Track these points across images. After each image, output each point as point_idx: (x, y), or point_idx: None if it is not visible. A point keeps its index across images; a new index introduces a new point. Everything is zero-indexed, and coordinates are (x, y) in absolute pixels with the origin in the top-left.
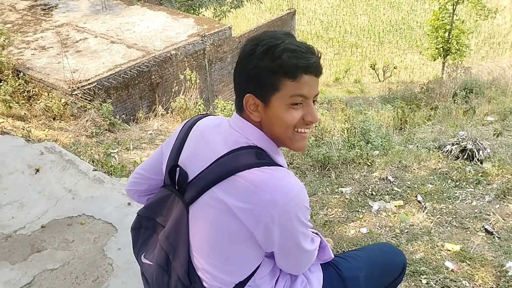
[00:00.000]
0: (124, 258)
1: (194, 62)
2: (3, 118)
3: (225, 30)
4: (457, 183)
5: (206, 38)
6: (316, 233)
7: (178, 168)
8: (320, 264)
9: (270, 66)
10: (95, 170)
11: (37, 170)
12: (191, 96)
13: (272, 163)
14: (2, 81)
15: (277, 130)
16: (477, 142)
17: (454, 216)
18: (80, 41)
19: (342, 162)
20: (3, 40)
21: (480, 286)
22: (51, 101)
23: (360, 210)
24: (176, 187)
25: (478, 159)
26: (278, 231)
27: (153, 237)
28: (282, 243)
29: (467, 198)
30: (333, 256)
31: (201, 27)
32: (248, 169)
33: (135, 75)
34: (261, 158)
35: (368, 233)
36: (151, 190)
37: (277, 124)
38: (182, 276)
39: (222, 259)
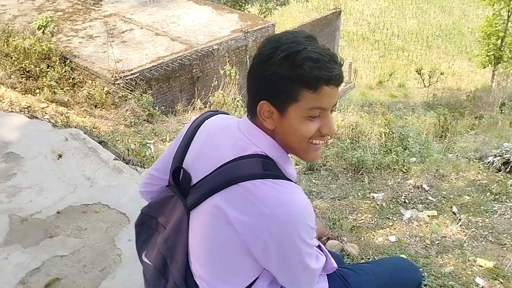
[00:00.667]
0: (133, 250)
1: (235, 58)
2: (47, 103)
3: (268, 27)
4: (497, 197)
5: (248, 34)
6: (319, 246)
7: (181, 170)
8: (327, 274)
9: (290, 75)
10: (116, 159)
11: (60, 156)
12: (229, 92)
13: (279, 175)
14: (50, 67)
15: (291, 140)
16: None
17: (491, 231)
18: (126, 31)
19: (376, 167)
20: (53, 28)
21: None
22: (94, 89)
23: (390, 218)
24: (179, 190)
25: None
26: (276, 249)
27: (154, 236)
28: (281, 261)
29: (506, 213)
30: (336, 266)
31: (245, 23)
32: (252, 180)
33: (177, 67)
34: (267, 169)
35: (396, 241)
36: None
37: (292, 135)
38: (178, 281)
39: (218, 268)
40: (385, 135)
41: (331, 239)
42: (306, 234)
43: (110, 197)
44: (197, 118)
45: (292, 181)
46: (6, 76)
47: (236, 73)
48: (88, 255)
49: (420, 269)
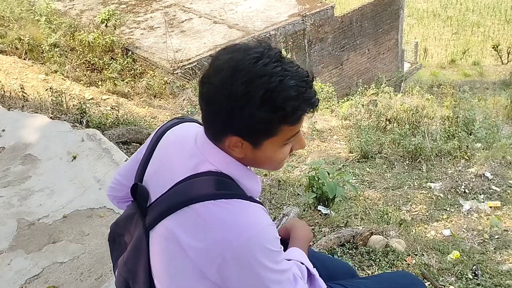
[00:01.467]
0: None
1: (293, 43)
2: (109, 95)
3: (327, 9)
4: None
5: (307, 18)
6: (301, 263)
7: (138, 187)
8: None
9: (270, 117)
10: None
11: (74, 157)
12: None
13: (234, 194)
14: (113, 60)
15: (264, 166)
16: None
17: None
18: (185, 21)
19: (436, 154)
20: (115, 21)
21: None
22: (153, 79)
23: (447, 209)
24: (138, 207)
25: None
26: (236, 275)
27: (124, 254)
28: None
29: None
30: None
31: (303, 7)
32: (202, 201)
33: None
34: (220, 188)
35: (450, 236)
36: (129, 197)
37: (266, 163)
38: None
39: None
40: (448, 119)
41: (375, 234)
42: (267, 259)
43: None
44: (161, 127)
45: (252, 197)
46: (72, 69)
47: (294, 58)
48: (86, 262)
49: (475, 267)
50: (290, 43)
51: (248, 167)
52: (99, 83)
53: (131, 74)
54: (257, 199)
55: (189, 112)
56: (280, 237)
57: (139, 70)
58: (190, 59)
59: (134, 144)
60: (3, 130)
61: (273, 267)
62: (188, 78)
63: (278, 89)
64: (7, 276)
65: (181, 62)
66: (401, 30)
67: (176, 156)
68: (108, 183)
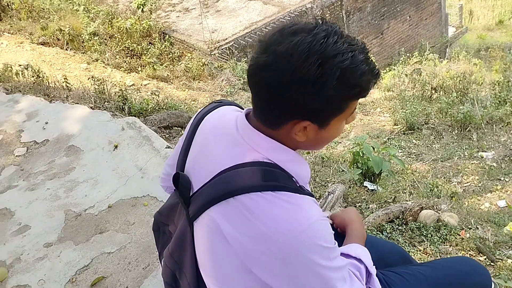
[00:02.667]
0: None
1: (330, 15)
2: (149, 80)
3: None
4: None
5: None
6: (360, 260)
7: (180, 176)
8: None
9: (346, 95)
10: (168, 147)
11: (116, 147)
12: None
13: (282, 186)
14: (151, 44)
15: (318, 146)
16: None
17: None
18: (220, 0)
19: (487, 121)
20: (151, 5)
21: None
22: (191, 62)
23: (502, 179)
24: (181, 197)
25: None
26: (284, 272)
27: (169, 243)
28: (297, 285)
29: None
30: None
31: None
32: (248, 193)
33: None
34: (267, 179)
35: (506, 206)
36: None
37: (324, 142)
38: None
39: (226, 286)
40: (499, 84)
41: (426, 208)
42: (319, 256)
43: (159, 188)
44: (199, 113)
45: (302, 188)
46: (112, 57)
47: None
48: (133, 251)
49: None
50: (327, 15)
51: (295, 151)
52: (139, 68)
53: (169, 58)
54: (307, 186)
55: (228, 93)
56: (334, 228)
57: (177, 53)
58: (226, 39)
59: (176, 128)
60: (46, 123)
61: (326, 264)
62: (225, 58)
63: (352, 67)
64: (58, 267)
65: (218, 42)
66: None
67: (217, 144)
68: (150, 171)
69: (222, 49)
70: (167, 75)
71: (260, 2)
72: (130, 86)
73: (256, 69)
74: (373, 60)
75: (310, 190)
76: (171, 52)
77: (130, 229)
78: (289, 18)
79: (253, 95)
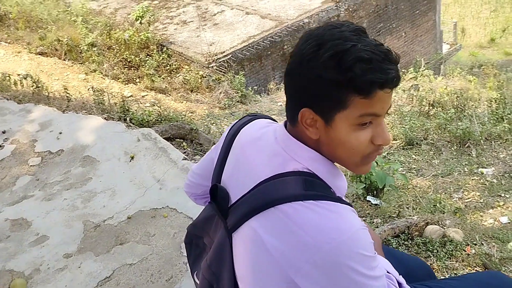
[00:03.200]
0: None
1: None
2: (147, 91)
3: None
4: None
5: (340, 3)
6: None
7: (218, 188)
8: None
9: (337, 79)
10: (185, 159)
11: (132, 158)
12: None
13: (324, 195)
14: (148, 56)
15: (341, 154)
16: None
17: None
18: (218, 13)
19: (485, 138)
20: (149, 17)
21: None
22: (189, 74)
23: (503, 195)
24: (219, 209)
25: None
26: (327, 282)
27: (203, 255)
28: None
29: None
30: None
31: None
32: (290, 202)
33: (268, 45)
34: (309, 189)
35: (509, 223)
36: (207, 194)
37: (341, 148)
38: None
39: None
40: (495, 101)
41: (431, 224)
42: (361, 265)
43: (178, 200)
44: (235, 124)
45: (341, 198)
46: (110, 67)
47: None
48: (155, 263)
49: None
50: None
51: (333, 163)
52: (137, 80)
53: (167, 70)
54: (344, 198)
55: (226, 105)
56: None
57: (175, 65)
58: (224, 51)
59: (178, 140)
60: (60, 133)
61: (368, 273)
62: (223, 71)
63: (349, 52)
64: (79, 279)
65: (216, 55)
66: (439, 10)
67: (256, 155)
68: (168, 183)
69: (220, 62)
70: (165, 87)
71: (258, 16)
72: (128, 97)
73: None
74: (396, 69)
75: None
76: (168, 64)
77: (151, 241)
78: (286, 33)
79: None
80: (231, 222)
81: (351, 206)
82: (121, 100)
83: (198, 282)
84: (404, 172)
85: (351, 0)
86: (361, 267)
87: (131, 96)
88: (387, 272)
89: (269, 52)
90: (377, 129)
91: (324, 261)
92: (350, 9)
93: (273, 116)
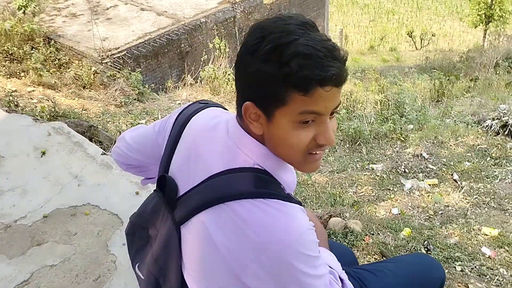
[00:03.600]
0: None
1: (223, 30)
2: (34, 87)
3: None
4: (497, 161)
5: (236, 5)
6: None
7: (166, 180)
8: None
9: (274, 74)
10: (104, 154)
11: (43, 153)
12: (220, 65)
13: (273, 193)
14: (34, 49)
15: (282, 151)
16: None
17: (493, 197)
18: (111, 8)
19: (374, 136)
20: (34, 7)
21: None
22: (81, 70)
23: (391, 189)
24: (166, 200)
25: None
26: (273, 280)
27: (147, 247)
28: None
29: (506, 177)
30: None
31: None
32: (240, 200)
33: (165, 43)
34: (259, 186)
35: (399, 214)
36: (143, 169)
37: (281, 145)
38: None
39: None
40: (380, 103)
41: (334, 216)
42: (306, 265)
43: (100, 196)
44: (184, 110)
45: (291, 196)
46: None
47: (225, 46)
48: (79, 263)
49: (426, 242)
50: (222, 30)
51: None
52: (21, 74)
53: (55, 65)
54: (292, 194)
55: (123, 103)
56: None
57: (64, 60)
58: (119, 47)
59: None
60: None
61: (312, 273)
62: (118, 67)
63: (289, 46)
64: None
65: (110, 51)
66: (327, 17)
67: (207, 147)
68: (87, 179)
69: (115, 58)
70: (55, 82)
71: (154, 13)
72: (13, 92)
73: None
74: (339, 66)
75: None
76: (57, 58)
77: (73, 240)
78: (183, 31)
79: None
80: (179, 214)
81: (300, 204)
82: (6, 95)
83: (141, 275)
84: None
85: (247, 3)
86: (306, 267)
87: (15, 91)
88: (330, 267)
89: (166, 50)
90: (320, 128)
91: (271, 261)
92: (246, 11)
93: None
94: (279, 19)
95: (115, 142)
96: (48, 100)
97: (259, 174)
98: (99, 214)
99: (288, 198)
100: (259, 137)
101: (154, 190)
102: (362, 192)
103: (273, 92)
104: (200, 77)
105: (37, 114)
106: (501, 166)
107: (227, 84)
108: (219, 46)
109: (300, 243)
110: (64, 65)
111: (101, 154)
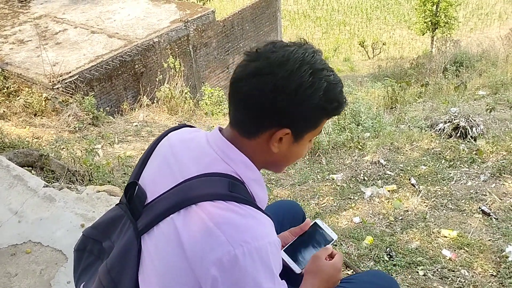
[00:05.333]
0: None
1: (178, 49)
2: None
3: (208, 14)
4: (451, 163)
5: (189, 23)
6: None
7: (136, 186)
8: None
9: (326, 109)
10: (46, 186)
11: None
12: (176, 84)
13: (245, 200)
14: None
15: (285, 162)
16: (470, 118)
17: (450, 198)
18: (60, 32)
19: (332, 146)
20: None
21: (479, 274)
22: (31, 97)
23: (352, 197)
24: (130, 209)
25: (471, 137)
26: (226, 286)
27: (96, 264)
28: None
29: (462, 179)
30: None
31: (184, 12)
32: (212, 201)
33: (118, 65)
34: (234, 191)
35: (361, 222)
36: None
37: (292, 158)
38: None
39: None
40: None
41: None
42: (265, 278)
43: (42, 232)
44: (162, 133)
45: (262, 209)
46: None
47: (180, 64)
48: None
49: (388, 249)
50: (176, 49)
51: (260, 174)
52: None
53: (4, 93)
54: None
55: (77, 128)
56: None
57: (13, 88)
58: (70, 72)
59: (26, 168)
60: None
61: (264, 285)
62: (70, 92)
63: (334, 82)
64: None
65: (61, 76)
66: (280, 31)
67: (184, 155)
68: (29, 214)
69: (66, 83)
70: (3, 111)
71: (105, 35)
72: None
73: (245, 75)
74: None
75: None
76: (5, 86)
77: (13, 282)
78: (136, 52)
79: (235, 103)
80: (142, 222)
81: (271, 219)
82: None
83: None
84: (265, 184)
85: (199, 20)
86: (265, 279)
87: None
88: None
89: (119, 72)
90: (311, 142)
91: (231, 265)
92: (199, 29)
93: (129, 137)
94: (313, 53)
95: (67, 170)
96: None
97: (234, 181)
98: (41, 251)
99: (259, 209)
100: (250, 151)
101: (116, 204)
102: (324, 203)
103: (315, 120)
104: (157, 97)
105: None
106: (455, 167)
107: (184, 103)
108: (174, 65)
109: (264, 252)
110: (13, 93)
111: (44, 187)
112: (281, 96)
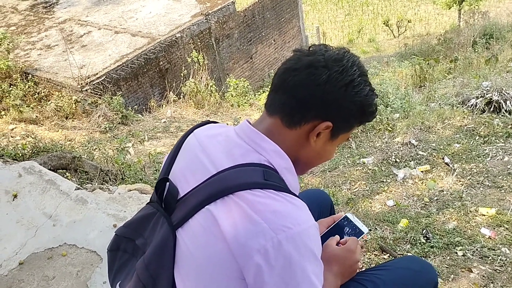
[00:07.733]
0: None
1: (201, 43)
2: (16, 124)
3: (228, 5)
4: (486, 139)
5: (210, 16)
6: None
7: (167, 183)
8: None
9: (365, 111)
10: (78, 189)
11: (15, 196)
12: (201, 78)
13: (281, 187)
14: (12, 86)
15: (317, 161)
16: (503, 92)
17: (486, 175)
18: (84, 35)
19: (361, 130)
20: (7, 44)
21: None
22: (61, 101)
23: (384, 181)
24: (163, 206)
25: (506, 110)
26: (272, 273)
27: (131, 262)
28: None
29: (498, 154)
30: None
31: (204, 6)
32: (250, 189)
33: (143, 63)
34: (269, 179)
35: (395, 205)
36: None
37: (323, 158)
38: None
39: None
40: None
41: None
42: (309, 261)
43: (76, 234)
44: (188, 129)
45: (297, 196)
46: None
47: (204, 58)
48: None
49: (424, 231)
50: (198, 43)
51: (292, 163)
52: (2, 112)
53: (35, 99)
54: None
55: (107, 129)
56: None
57: (44, 92)
58: (97, 73)
59: (60, 171)
60: None
61: (313, 281)
62: (99, 93)
63: (373, 90)
64: None
65: (88, 78)
66: (302, 17)
67: (214, 148)
68: (62, 217)
69: (94, 85)
70: (36, 116)
71: (128, 35)
72: None
73: (299, 66)
74: None
75: None
76: (36, 92)
77: (51, 285)
78: (160, 48)
79: (285, 91)
80: (177, 217)
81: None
82: None
83: None
84: None
85: (220, 12)
86: (309, 265)
87: None
88: None
89: (145, 70)
90: (346, 139)
91: (276, 251)
92: (220, 21)
93: (158, 134)
94: (358, 57)
95: (100, 170)
96: (28, 136)
97: (268, 170)
98: (76, 253)
99: (295, 195)
100: (283, 141)
101: (147, 203)
102: (355, 188)
103: (352, 121)
104: (183, 92)
105: (12, 154)
106: (490, 143)
107: (210, 96)
108: (198, 59)
109: (307, 236)
110: (44, 98)
111: (75, 189)
112: (332, 88)
